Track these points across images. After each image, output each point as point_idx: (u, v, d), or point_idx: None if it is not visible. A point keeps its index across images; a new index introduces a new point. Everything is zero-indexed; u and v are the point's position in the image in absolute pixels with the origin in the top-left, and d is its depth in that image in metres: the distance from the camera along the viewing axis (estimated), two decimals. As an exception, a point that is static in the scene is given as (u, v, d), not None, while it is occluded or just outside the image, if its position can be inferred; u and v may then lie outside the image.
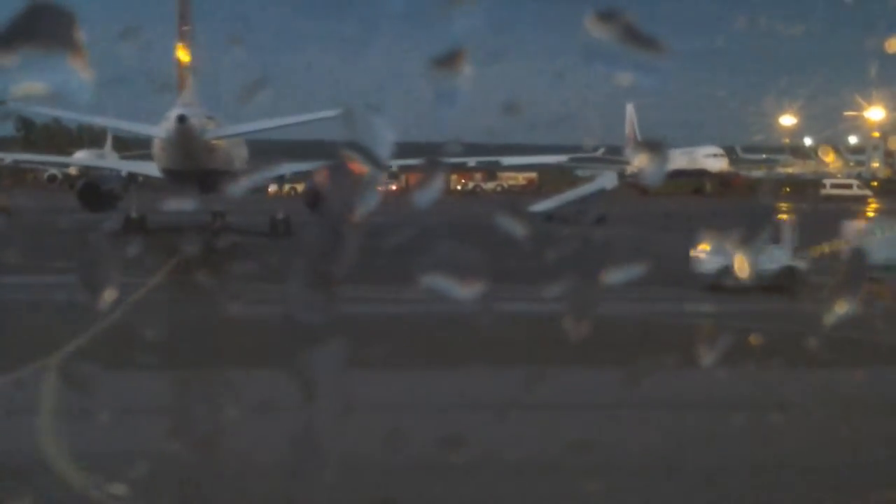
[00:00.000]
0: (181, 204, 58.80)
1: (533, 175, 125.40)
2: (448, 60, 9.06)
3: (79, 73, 6.78)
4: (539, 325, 23.63)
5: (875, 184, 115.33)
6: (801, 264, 37.68)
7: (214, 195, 58.09)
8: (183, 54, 65.17)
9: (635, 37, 7.46)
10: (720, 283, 34.97)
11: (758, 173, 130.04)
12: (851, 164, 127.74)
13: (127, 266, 33.18)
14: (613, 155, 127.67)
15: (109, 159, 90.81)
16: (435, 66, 9.02)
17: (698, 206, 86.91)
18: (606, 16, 7.78)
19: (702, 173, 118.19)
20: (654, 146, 9.45)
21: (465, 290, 10.34)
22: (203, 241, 50.13)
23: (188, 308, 30.41)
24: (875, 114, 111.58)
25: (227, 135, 60.47)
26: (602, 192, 72.66)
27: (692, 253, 37.69)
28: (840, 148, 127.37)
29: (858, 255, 33.31)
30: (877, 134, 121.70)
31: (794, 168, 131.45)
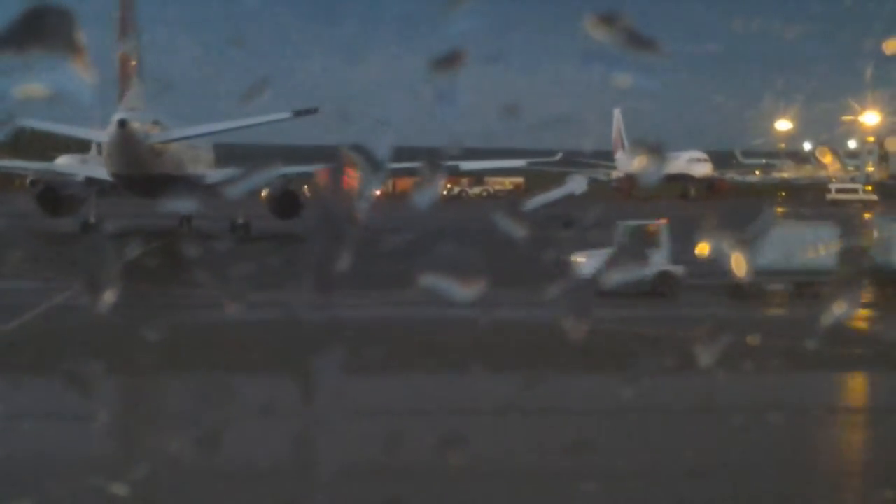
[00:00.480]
0: (170, 206, 59.02)
1: (520, 180, 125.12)
2: (442, 64, 9.10)
3: (80, 75, 6.82)
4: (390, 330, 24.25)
5: (869, 187, 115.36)
6: (677, 269, 37.68)
7: (174, 199, 58.42)
8: (125, 56, 64.02)
9: (632, 40, 7.51)
10: (599, 288, 35.14)
11: (751, 178, 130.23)
12: (850, 168, 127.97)
13: (65, 270, 33.85)
14: (600, 159, 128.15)
15: (92, 164, 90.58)
16: (429, 70, 9.05)
17: (672, 210, 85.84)
18: (604, 19, 7.82)
19: (686, 178, 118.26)
20: (650, 149, 9.47)
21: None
22: (152, 245, 50.04)
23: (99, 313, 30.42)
24: (870, 118, 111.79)
25: (173, 138, 60.34)
26: (570, 197, 73.20)
27: (572, 258, 37.55)
28: (839, 152, 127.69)
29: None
30: (871, 138, 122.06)
31: (790, 173, 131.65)
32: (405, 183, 78.12)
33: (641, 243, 38.04)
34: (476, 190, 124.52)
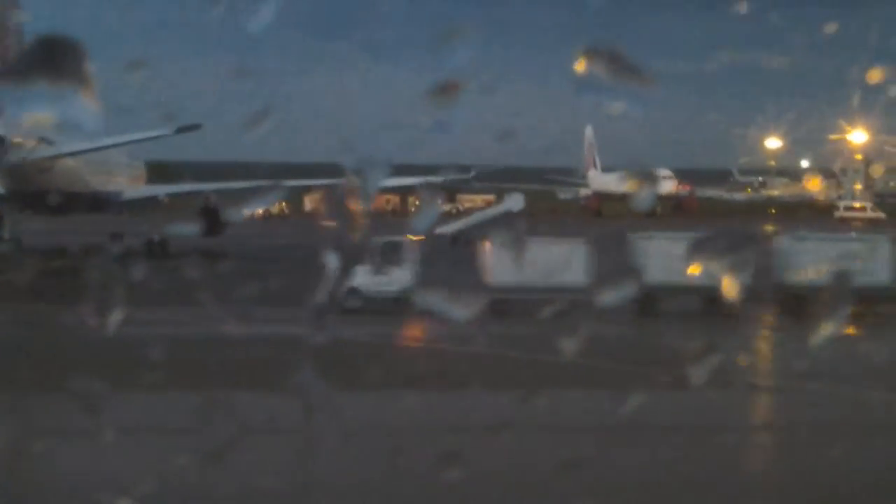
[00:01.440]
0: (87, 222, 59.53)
1: (491, 197, 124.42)
2: (438, 90, 9.30)
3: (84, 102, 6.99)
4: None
5: (859, 206, 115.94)
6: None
7: (79, 215, 58.67)
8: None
9: (620, 68, 7.71)
10: (344, 306, 35.46)
11: (739, 196, 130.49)
12: (842, 189, 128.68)
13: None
14: (571, 177, 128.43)
15: None
16: (425, 95, 9.25)
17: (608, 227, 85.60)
18: (593, 50, 8.03)
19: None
20: (643, 174, 9.69)
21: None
22: (50, 264, 50.24)
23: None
24: (857, 137, 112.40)
25: (54, 154, 59.66)
26: (509, 215, 73.78)
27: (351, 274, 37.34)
28: (835, 171, 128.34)
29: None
30: (859, 156, 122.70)
31: (780, 190, 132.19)
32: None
33: (390, 259, 37.72)
34: (447, 207, 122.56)
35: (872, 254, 38.54)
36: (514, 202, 76.45)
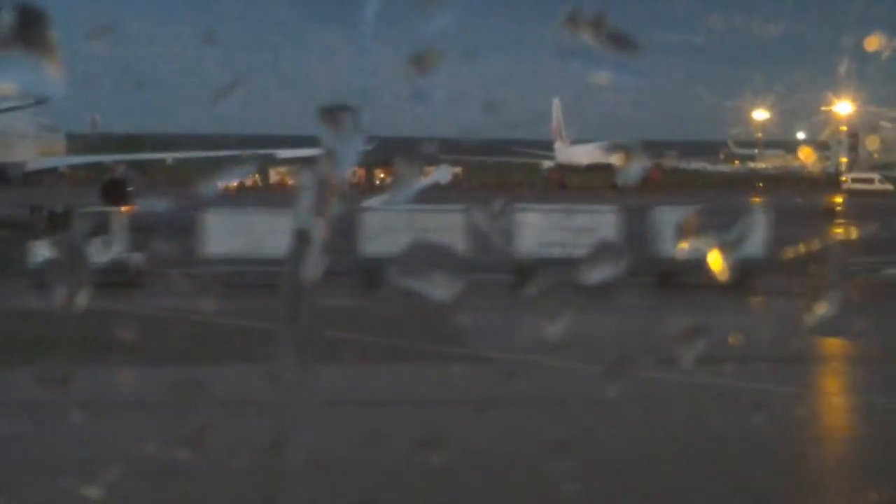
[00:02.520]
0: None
1: (458, 169, 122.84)
2: (419, 58, 9.05)
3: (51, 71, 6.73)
4: None
5: (845, 178, 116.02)
6: (134, 258, 36.68)
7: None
8: None
9: (609, 38, 7.48)
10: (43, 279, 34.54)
11: (723, 168, 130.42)
12: (827, 161, 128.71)
13: None
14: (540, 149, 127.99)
15: None
16: (407, 64, 9.00)
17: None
18: (578, 16, 7.79)
19: (611, 168, 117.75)
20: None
21: None
22: None
23: None
24: (843, 108, 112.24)
25: None
26: (436, 187, 74.32)
27: (29, 245, 35.84)
28: (828, 143, 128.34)
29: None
30: (844, 128, 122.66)
31: (766, 163, 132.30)
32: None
33: (96, 230, 36.83)
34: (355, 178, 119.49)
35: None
36: (442, 174, 77.09)
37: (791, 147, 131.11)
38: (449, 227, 36.65)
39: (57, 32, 6.64)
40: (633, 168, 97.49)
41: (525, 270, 31.91)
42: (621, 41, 7.54)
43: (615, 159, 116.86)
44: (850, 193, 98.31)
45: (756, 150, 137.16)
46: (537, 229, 37.73)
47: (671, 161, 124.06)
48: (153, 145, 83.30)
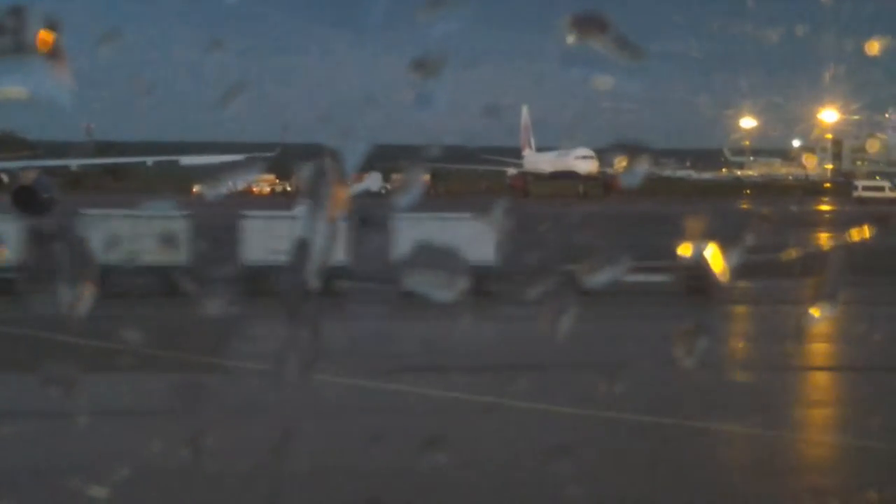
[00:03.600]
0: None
1: (426, 176, 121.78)
2: (422, 65, 9.11)
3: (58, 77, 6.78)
4: None
5: (828, 185, 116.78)
6: None
7: None
8: None
9: (613, 42, 7.55)
10: None
11: (707, 176, 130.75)
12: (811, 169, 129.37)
13: None
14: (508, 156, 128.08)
15: None
16: (410, 70, 9.06)
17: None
18: (579, 22, 7.86)
19: (572, 175, 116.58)
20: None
21: None
22: None
23: None
24: (828, 116, 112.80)
25: None
26: (367, 194, 75.16)
27: None
28: (823, 150, 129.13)
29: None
30: (829, 136, 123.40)
31: (755, 171, 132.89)
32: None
33: None
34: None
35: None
36: (373, 182, 77.90)
37: (787, 155, 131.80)
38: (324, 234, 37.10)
39: (65, 38, 6.70)
40: (595, 176, 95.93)
41: (254, 278, 32.96)
42: (624, 49, 7.61)
43: (579, 167, 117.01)
44: (862, 201, 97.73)
45: (751, 158, 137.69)
46: (264, 237, 38.33)
47: (649, 168, 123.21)
48: (135, 152, 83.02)
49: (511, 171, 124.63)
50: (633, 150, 9.89)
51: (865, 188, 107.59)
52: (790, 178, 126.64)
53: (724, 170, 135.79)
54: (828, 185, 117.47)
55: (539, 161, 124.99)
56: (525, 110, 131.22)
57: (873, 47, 22.57)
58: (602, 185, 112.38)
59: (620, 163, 9.61)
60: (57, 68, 6.77)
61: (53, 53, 6.74)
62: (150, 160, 72.96)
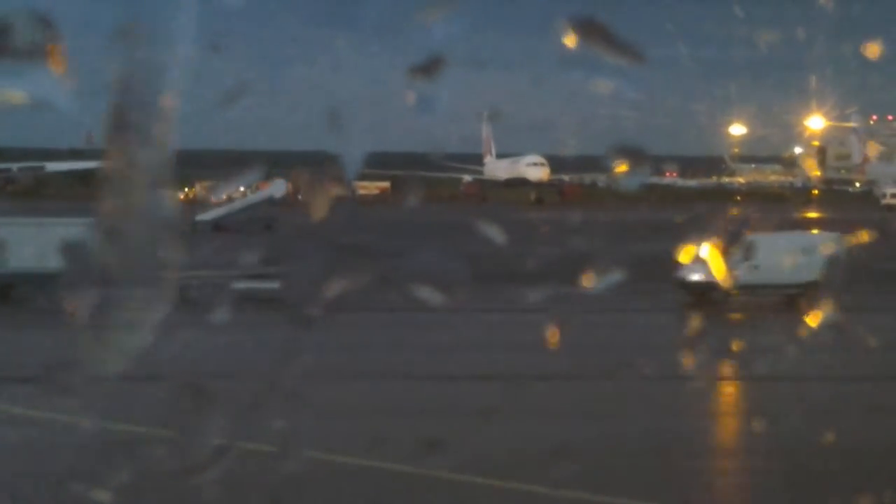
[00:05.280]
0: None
1: (386, 185, 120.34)
2: (419, 70, 9.10)
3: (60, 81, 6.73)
4: None
5: (816, 192, 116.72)
6: None
7: None
8: None
9: (612, 47, 7.56)
10: None
11: (691, 183, 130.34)
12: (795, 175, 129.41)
13: None
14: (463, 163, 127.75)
15: None
16: (407, 76, 9.05)
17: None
18: (577, 26, 7.86)
19: (523, 182, 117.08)
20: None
21: None
22: None
23: None
24: (815, 122, 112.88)
25: None
26: (270, 201, 75.44)
27: None
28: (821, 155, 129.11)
29: None
30: (816, 143, 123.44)
31: (744, 178, 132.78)
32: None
33: None
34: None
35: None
36: (277, 189, 78.38)
37: (787, 162, 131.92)
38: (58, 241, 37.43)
39: (67, 42, 6.66)
40: (550, 182, 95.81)
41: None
42: (623, 53, 7.62)
43: (529, 174, 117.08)
44: (891, 209, 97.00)
45: (753, 166, 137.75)
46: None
47: (637, 173, 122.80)
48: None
49: (466, 178, 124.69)
50: (628, 156, 9.89)
51: (893, 196, 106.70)
52: (777, 185, 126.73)
53: (713, 177, 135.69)
54: (815, 192, 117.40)
55: (496, 168, 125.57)
56: (486, 118, 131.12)
57: (873, 51, 22.66)
58: (557, 191, 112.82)
59: (619, 167, 9.63)
60: (59, 74, 6.73)
61: (56, 58, 6.71)
62: (15, 167, 72.64)
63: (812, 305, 33.84)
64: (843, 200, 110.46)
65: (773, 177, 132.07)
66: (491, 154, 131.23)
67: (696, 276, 39.58)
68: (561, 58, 7.86)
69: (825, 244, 41.26)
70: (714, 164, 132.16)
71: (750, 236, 42.32)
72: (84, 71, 6.92)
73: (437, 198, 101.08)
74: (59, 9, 7.15)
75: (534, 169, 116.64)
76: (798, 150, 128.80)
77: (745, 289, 39.53)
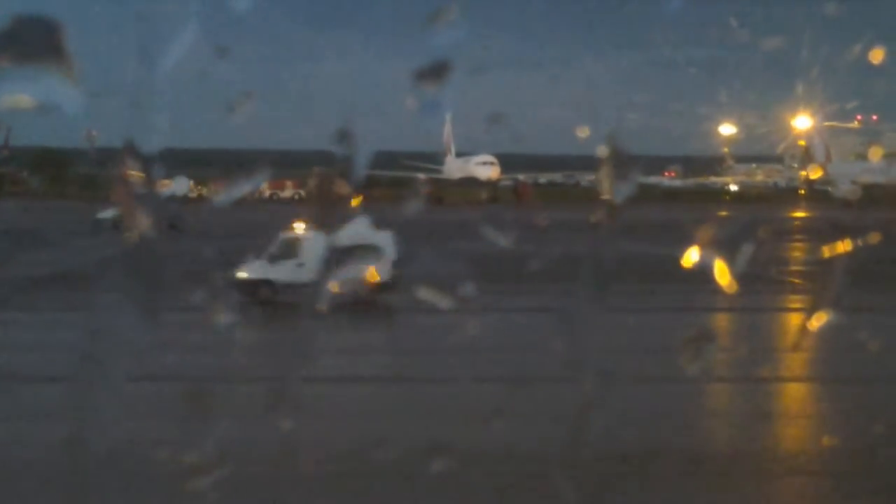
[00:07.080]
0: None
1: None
2: (423, 74, 9.07)
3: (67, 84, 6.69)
4: None
5: (803, 192, 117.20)
6: None
7: None
8: None
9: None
10: None
11: (677, 183, 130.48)
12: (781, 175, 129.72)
13: None
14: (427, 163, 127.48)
15: None
16: (412, 79, 9.03)
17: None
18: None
19: (473, 181, 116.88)
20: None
21: None
22: None
23: None
24: (802, 122, 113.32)
25: None
26: (173, 199, 75.23)
27: None
28: (785, 157, 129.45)
29: None
30: (802, 142, 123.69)
31: (732, 178, 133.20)
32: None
33: None
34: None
35: None
36: (179, 185, 78.37)
37: (782, 161, 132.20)
38: None
39: (74, 45, 6.61)
40: (503, 181, 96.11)
41: None
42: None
43: (479, 173, 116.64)
44: (848, 205, 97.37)
45: (754, 166, 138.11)
46: None
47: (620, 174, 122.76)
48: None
49: (420, 176, 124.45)
50: (614, 157, 9.85)
51: (845, 192, 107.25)
52: (763, 185, 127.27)
53: (703, 177, 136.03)
54: (802, 191, 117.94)
55: (452, 168, 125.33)
56: (448, 118, 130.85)
57: (877, 56, 22.72)
58: (513, 191, 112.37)
59: (601, 166, 9.58)
60: (65, 76, 6.69)
61: (61, 61, 6.66)
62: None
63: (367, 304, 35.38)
64: (797, 199, 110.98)
65: (759, 177, 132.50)
66: (451, 153, 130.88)
67: (247, 275, 39.21)
68: (559, 57, 7.79)
69: (384, 242, 39.72)
70: (711, 165, 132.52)
71: (287, 234, 40.94)
72: (90, 72, 6.87)
73: (391, 198, 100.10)
74: (61, 11, 7.10)
75: (483, 168, 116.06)
76: (783, 149, 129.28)
77: (291, 287, 38.42)
